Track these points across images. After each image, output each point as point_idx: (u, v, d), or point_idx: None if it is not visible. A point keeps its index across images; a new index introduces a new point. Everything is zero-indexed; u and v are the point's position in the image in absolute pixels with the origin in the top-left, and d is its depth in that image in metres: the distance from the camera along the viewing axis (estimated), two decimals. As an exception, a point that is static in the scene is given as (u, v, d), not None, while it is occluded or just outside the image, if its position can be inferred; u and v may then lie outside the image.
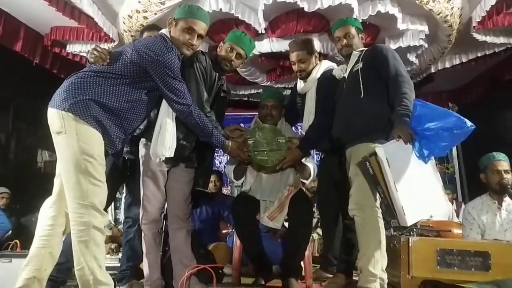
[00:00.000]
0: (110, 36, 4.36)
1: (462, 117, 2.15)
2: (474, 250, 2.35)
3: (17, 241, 2.75)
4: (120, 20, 4.19)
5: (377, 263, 2.17)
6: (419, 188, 2.18)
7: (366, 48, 2.51)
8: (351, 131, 2.36)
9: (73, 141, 1.92)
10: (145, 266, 2.36)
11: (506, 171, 2.82)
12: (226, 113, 2.89)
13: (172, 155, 2.22)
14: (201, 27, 2.21)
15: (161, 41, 2.12)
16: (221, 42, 2.57)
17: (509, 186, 2.76)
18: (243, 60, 2.57)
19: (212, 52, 2.59)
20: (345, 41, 2.50)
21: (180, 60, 2.18)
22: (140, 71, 2.07)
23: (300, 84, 2.80)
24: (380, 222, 2.24)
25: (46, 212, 2.06)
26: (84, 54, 4.93)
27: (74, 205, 1.90)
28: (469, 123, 2.15)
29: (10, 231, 4.18)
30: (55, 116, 1.96)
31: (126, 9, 3.99)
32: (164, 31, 2.26)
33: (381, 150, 2.10)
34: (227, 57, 2.48)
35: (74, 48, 4.84)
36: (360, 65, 2.40)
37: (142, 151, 2.39)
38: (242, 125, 6.70)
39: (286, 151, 2.58)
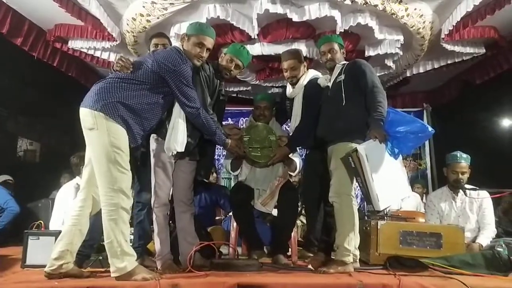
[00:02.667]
0: (113, 35, 4.63)
1: (424, 123, 2.66)
2: (429, 232, 2.86)
3: (42, 221, 3.11)
4: (124, 22, 4.48)
5: (351, 241, 2.59)
6: (390, 180, 2.59)
7: (347, 62, 2.92)
8: (333, 132, 2.77)
9: (104, 136, 2.27)
10: (156, 243, 2.72)
11: (463, 172, 3.32)
12: None
13: (183, 150, 2.61)
14: (210, 42, 2.61)
15: (177, 53, 2.50)
16: (222, 53, 2.95)
17: (462, 183, 3.27)
18: (241, 70, 2.96)
19: (214, 61, 2.94)
20: (329, 55, 2.92)
21: (192, 70, 2.57)
22: (159, 78, 2.45)
23: (289, 89, 3.20)
24: (354, 208, 2.66)
25: (79, 195, 2.42)
26: (85, 50, 5.21)
27: (105, 189, 2.26)
28: (430, 128, 2.66)
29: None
30: (88, 115, 2.31)
31: (130, 12, 4.27)
32: (177, 44, 2.66)
33: (362, 147, 2.51)
34: (228, 67, 2.86)
35: (76, 44, 5.05)
36: (343, 77, 2.81)
37: (153, 145, 2.74)
38: (229, 120, 7.05)
39: (276, 148, 3.01)
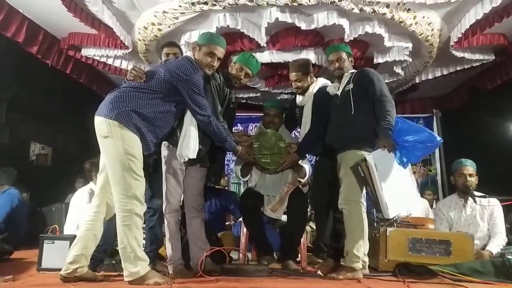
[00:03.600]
0: (126, 44, 4.74)
1: (433, 133, 2.68)
2: (438, 239, 2.87)
3: (56, 226, 3.19)
4: (136, 30, 4.58)
5: (360, 248, 2.61)
6: (399, 188, 2.61)
7: (356, 71, 2.95)
8: (342, 140, 2.80)
9: (118, 143, 2.33)
10: (168, 248, 2.76)
11: (470, 175, 3.31)
12: None
13: (195, 157, 2.67)
14: (220, 51, 2.66)
15: (188, 63, 2.56)
16: (232, 62, 2.99)
17: (471, 187, 3.26)
18: (250, 78, 3.01)
19: (224, 70, 2.99)
20: (337, 64, 2.95)
21: (203, 79, 2.63)
22: (171, 87, 2.51)
23: (298, 98, 3.24)
24: (363, 214, 2.68)
25: (93, 201, 2.48)
26: (98, 58, 5.34)
27: (120, 196, 2.31)
28: (438, 138, 2.70)
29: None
30: (102, 123, 2.36)
31: (142, 21, 4.38)
32: (189, 54, 2.72)
33: (371, 157, 2.55)
34: (237, 76, 2.90)
35: (89, 52, 5.19)
36: (351, 86, 2.84)
37: (164, 152, 2.79)
38: (239, 125, 7.11)
39: (285, 155, 3.05)
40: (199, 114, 2.59)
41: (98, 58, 5.32)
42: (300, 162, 3.20)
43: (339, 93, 2.95)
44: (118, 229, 2.32)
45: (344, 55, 2.98)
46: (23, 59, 4.87)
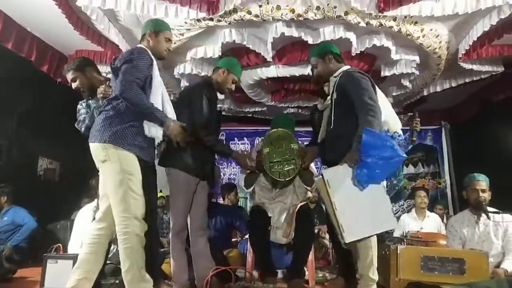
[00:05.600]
0: (132, 60, 4.77)
1: (396, 148, 2.31)
2: (452, 257, 2.77)
3: (60, 244, 3.15)
4: (142, 47, 4.61)
5: (374, 270, 2.50)
6: (361, 209, 2.35)
7: (341, 73, 2.67)
8: (330, 153, 2.65)
9: (116, 165, 2.31)
10: (174, 268, 2.72)
11: (483, 190, 3.22)
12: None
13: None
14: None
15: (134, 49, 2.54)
16: (222, 71, 2.94)
17: (484, 203, 3.17)
18: (237, 83, 3.05)
19: (209, 79, 3.06)
20: (314, 72, 2.83)
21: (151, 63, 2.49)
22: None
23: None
24: None
25: (94, 224, 2.45)
26: (105, 75, 5.36)
27: (120, 218, 2.29)
28: (401, 152, 2.31)
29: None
30: (98, 149, 2.35)
31: (147, 38, 4.40)
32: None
33: (327, 172, 2.40)
34: (228, 84, 2.94)
35: (96, 69, 5.25)
36: (334, 96, 2.63)
37: (171, 170, 2.79)
38: (245, 139, 7.07)
39: (298, 158, 2.89)
40: (122, 80, 2.35)
41: (105, 74, 5.34)
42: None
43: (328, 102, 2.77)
44: (120, 252, 2.28)
45: (316, 61, 2.79)
46: (33, 74, 4.94)
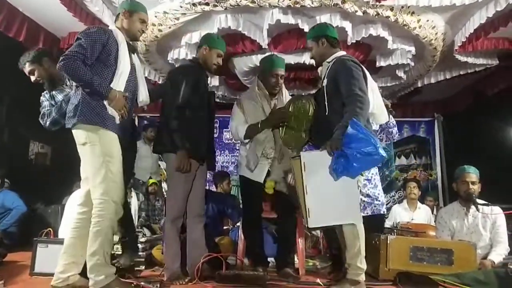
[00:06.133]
0: (125, 43, 4.70)
1: (378, 146, 2.24)
2: (440, 248, 2.81)
3: (51, 229, 3.13)
4: (136, 31, 4.54)
5: (362, 259, 2.47)
6: (330, 198, 2.34)
7: (334, 59, 2.61)
8: (320, 139, 2.60)
9: (96, 147, 2.30)
10: (166, 255, 2.73)
11: (473, 182, 3.25)
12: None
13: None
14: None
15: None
16: (203, 49, 2.88)
17: (473, 195, 3.20)
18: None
19: (195, 59, 3.03)
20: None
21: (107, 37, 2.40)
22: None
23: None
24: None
25: (77, 208, 2.43)
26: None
27: (98, 201, 2.28)
28: (382, 152, 2.25)
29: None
30: (79, 132, 2.33)
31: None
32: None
33: (304, 155, 2.40)
34: (213, 59, 2.86)
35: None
36: (325, 82, 2.59)
37: (167, 162, 2.80)
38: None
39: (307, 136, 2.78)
40: (63, 55, 2.32)
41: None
42: None
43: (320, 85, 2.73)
44: (90, 233, 2.27)
45: (310, 44, 2.74)
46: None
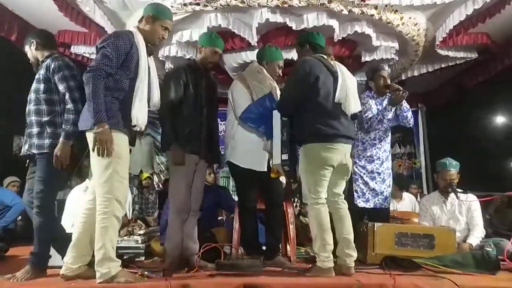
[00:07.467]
0: (117, 42, 4.76)
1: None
2: (423, 233, 3.03)
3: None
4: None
5: (326, 246, 2.58)
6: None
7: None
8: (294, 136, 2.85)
9: None
10: (168, 245, 2.84)
11: (452, 179, 3.47)
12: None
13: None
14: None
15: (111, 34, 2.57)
16: (199, 48, 3.04)
17: (453, 185, 3.42)
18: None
19: (190, 61, 3.16)
20: None
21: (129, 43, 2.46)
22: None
23: None
24: (320, 211, 2.63)
25: (86, 204, 2.52)
26: (88, 55, 5.35)
27: (102, 198, 2.36)
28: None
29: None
30: (90, 133, 2.38)
31: (133, 20, 4.38)
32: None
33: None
34: (210, 58, 3.00)
35: (79, 50, 5.20)
36: None
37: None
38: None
39: None
40: (91, 65, 2.41)
41: (88, 55, 5.33)
42: None
43: None
44: (96, 230, 2.37)
45: (297, 49, 3.03)
46: (6, 52, 4.77)
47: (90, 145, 2.43)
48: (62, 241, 2.64)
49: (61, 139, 2.54)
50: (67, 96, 2.58)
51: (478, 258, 2.79)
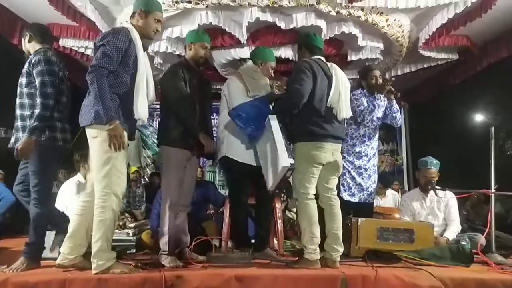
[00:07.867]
0: (106, 36, 4.77)
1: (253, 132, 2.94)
2: (403, 228, 3.20)
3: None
4: (118, 24, 4.60)
5: (312, 239, 2.73)
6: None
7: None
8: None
9: (105, 142, 2.42)
10: (163, 239, 2.89)
11: (432, 178, 3.67)
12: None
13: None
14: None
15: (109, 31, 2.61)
16: (187, 46, 3.16)
17: (433, 183, 3.60)
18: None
19: (181, 59, 3.23)
20: None
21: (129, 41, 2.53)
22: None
23: None
24: (309, 206, 2.78)
25: (82, 197, 2.61)
26: (76, 49, 5.33)
27: (101, 193, 2.44)
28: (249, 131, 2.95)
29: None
30: (91, 128, 2.47)
31: (124, 16, 4.39)
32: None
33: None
34: (200, 54, 3.11)
35: (67, 43, 5.17)
36: None
37: (163, 152, 3.00)
38: (215, 115, 7.27)
39: None
40: (92, 64, 2.47)
41: (76, 48, 5.31)
42: None
43: None
44: (94, 222, 2.45)
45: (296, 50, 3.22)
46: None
47: (90, 140, 2.50)
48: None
49: (25, 133, 2.57)
50: (38, 91, 2.61)
51: (454, 252, 2.98)
